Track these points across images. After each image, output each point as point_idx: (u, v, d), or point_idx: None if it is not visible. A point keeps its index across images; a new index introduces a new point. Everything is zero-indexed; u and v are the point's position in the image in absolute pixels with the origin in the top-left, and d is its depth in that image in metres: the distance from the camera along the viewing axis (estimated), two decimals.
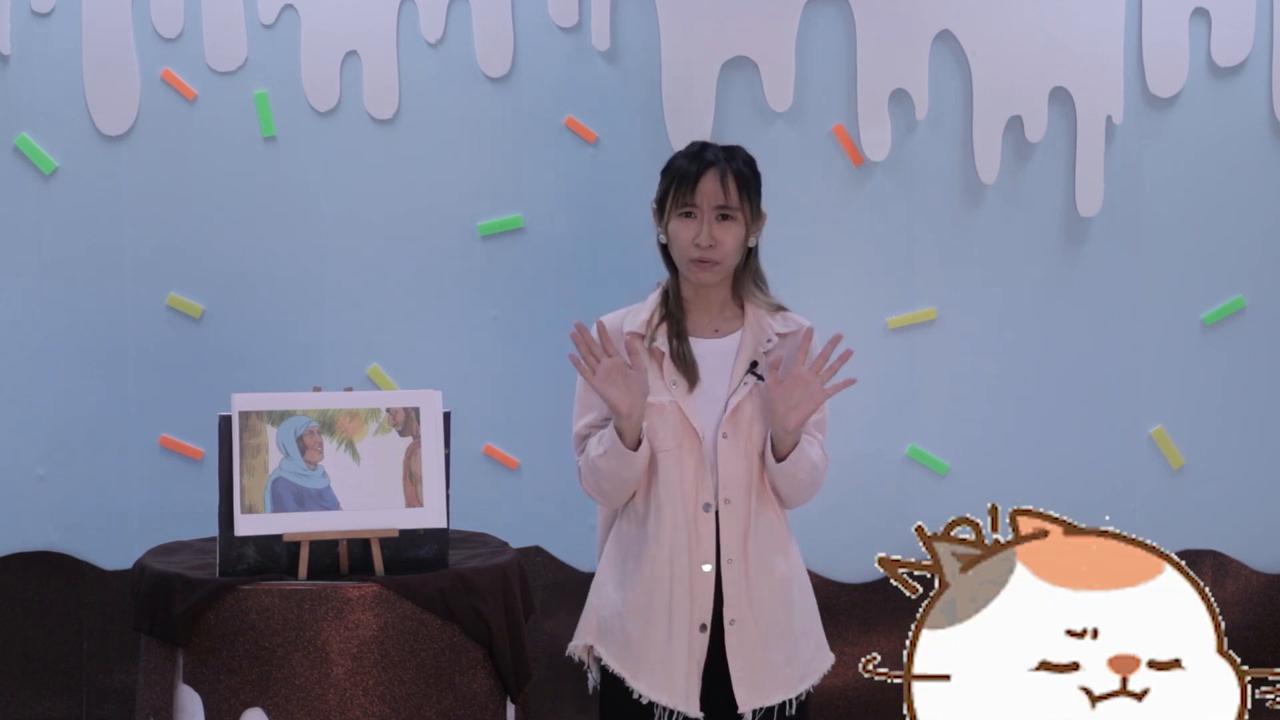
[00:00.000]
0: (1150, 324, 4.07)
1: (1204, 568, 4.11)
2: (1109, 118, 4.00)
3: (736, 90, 3.95)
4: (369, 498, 2.87)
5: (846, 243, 4.01)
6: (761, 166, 3.91)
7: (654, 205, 2.94)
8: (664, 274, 2.94)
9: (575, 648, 2.97)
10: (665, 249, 2.93)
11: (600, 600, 2.95)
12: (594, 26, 3.91)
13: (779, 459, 2.84)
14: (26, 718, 3.93)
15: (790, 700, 2.91)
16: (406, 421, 2.92)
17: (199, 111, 3.89)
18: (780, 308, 2.97)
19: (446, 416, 2.95)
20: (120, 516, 3.92)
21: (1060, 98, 4.00)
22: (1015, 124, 4.00)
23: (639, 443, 2.80)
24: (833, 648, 4.00)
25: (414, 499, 2.89)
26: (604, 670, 2.93)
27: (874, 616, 4.05)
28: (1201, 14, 4.01)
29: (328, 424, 2.88)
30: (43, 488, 3.92)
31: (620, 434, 2.78)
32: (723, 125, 3.93)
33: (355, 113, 3.91)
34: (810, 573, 4.00)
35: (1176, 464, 4.10)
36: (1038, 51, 3.97)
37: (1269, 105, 4.04)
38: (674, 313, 2.91)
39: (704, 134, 3.88)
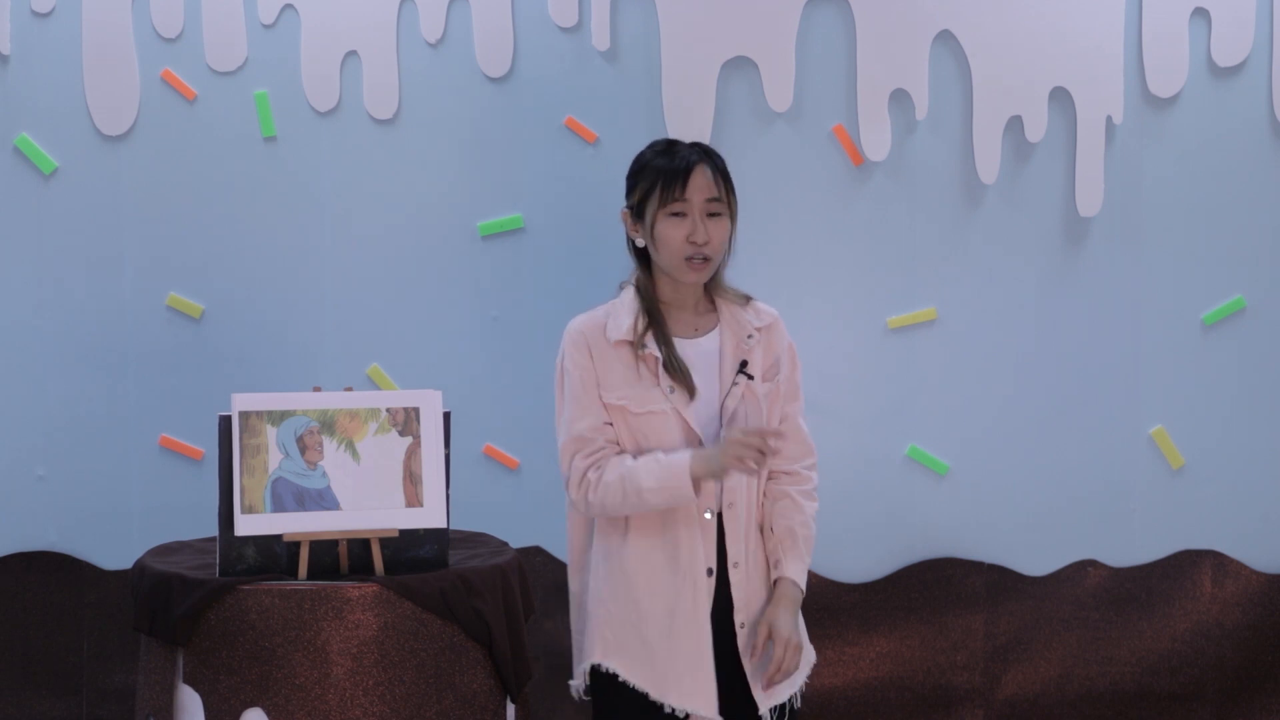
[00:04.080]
0: (1150, 324, 4.07)
1: (1204, 568, 4.11)
2: (1109, 118, 4.00)
3: (736, 90, 3.95)
4: (369, 498, 2.87)
5: (846, 243, 4.01)
6: (761, 166, 3.95)
7: (627, 210, 2.90)
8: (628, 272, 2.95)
9: (581, 673, 2.91)
10: (642, 251, 2.90)
11: (606, 615, 2.86)
12: (594, 26, 3.91)
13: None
14: (26, 718, 3.93)
15: (796, 694, 2.94)
16: (406, 421, 2.92)
17: (199, 111, 3.89)
18: (747, 298, 2.96)
19: (446, 416, 2.95)
20: (120, 516, 3.92)
21: (1060, 98, 4.00)
22: (1015, 124, 3.99)
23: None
24: (832, 647, 4.04)
25: (414, 499, 2.89)
26: (622, 686, 2.84)
27: (874, 616, 4.05)
28: (1201, 14, 4.01)
29: (328, 424, 2.88)
30: (43, 488, 3.92)
31: (695, 483, 2.78)
32: (723, 125, 3.93)
33: (355, 113, 3.91)
34: (810, 572, 4.02)
35: (1176, 464, 4.09)
36: (1038, 51, 3.97)
37: (1269, 105, 4.04)
38: (656, 316, 2.87)
39: (704, 134, 3.88)
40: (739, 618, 2.86)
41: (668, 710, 2.83)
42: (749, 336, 2.89)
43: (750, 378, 2.86)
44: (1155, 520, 4.10)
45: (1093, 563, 4.10)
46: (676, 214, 2.81)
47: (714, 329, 2.91)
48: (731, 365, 2.88)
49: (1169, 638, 4.10)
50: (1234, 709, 4.12)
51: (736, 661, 2.86)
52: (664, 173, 2.82)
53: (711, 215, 2.83)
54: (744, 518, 2.88)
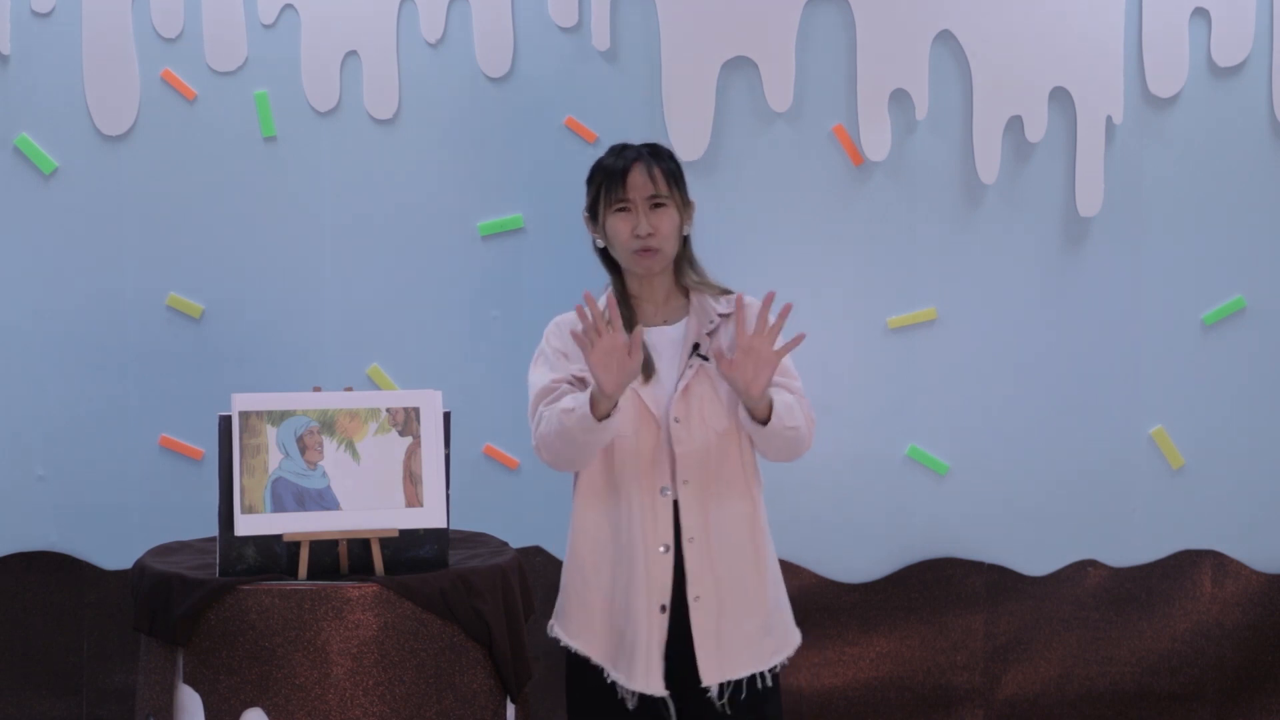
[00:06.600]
0: (1150, 324, 4.07)
1: (1204, 568, 4.11)
2: (1109, 118, 4.00)
3: (736, 90, 3.95)
4: (369, 498, 2.87)
5: (846, 243, 4.01)
6: (761, 166, 3.95)
7: (586, 214, 3.05)
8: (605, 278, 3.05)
9: (552, 625, 3.08)
10: (604, 252, 3.04)
11: (566, 581, 3.05)
12: (594, 26, 3.91)
13: (762, 423, 2.87)
14: (26, 718, 3.93)
15: (763, 673, 2.97)
16: (406, 421, 2.92)
17: (199, 111, 3.89)
18: (725, 291, 3.06)
19: (446, 416, 2.95)
20: (120, 516, 3.92)
21: (1060, 98, 4.00)
22: (1015, 124, 3.99)
23: (608, 416, 2.83)
24: (832, 647, 4.04)
25: (414, 499, 2.89)
26: (567, 651, 3.01)
27: (874, 616, 4.05)
28: (1201, 14, 4.01)
29: (328, 424, 2.88)
30: (43, 488, 3.92)
31: (594, 403, 2.81)
32: (723, 125, 3.93)
33: (355, 113, 3.91)
34: (810, 572, 4.04)
35: (1176, 464, 4.09)
36: (1038, 51, 3.97)
37: (1269, 105, 4.04)
38: (624, 311, 2.97)
39: (704, 134, 3.89)
40: (693, 591, 2.92)
41: (605, 677, 2.94)
42: (711, 322, 2.98)
43: (705, 359, 2.95)
44: (1155, 520, 4.10)
45: (1093, 563, 4.10)
46: (622, 209, 2.96)
47: (683, 320, 3.02)
48: (690, 350, 2.98)
49: (1169, 638, 4.10)
50: (1234, 709, 4.12)
51: (689, 638, 2.92)
52: (607, 173, 2.99)
53: (656, 207, 2.96)
54: (701, 492, 2.94)
